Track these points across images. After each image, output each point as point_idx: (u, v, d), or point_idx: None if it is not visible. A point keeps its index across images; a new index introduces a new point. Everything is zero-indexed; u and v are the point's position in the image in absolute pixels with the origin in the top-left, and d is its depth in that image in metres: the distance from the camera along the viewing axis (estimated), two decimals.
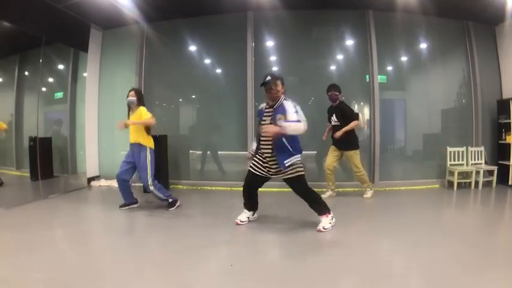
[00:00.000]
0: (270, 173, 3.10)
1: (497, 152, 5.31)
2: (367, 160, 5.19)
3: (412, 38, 5.43)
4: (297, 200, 3.21)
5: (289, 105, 2.87)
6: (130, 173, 3.87)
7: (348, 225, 3.24)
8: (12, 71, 5.13)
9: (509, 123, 5.02)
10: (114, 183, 5.37)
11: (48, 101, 5.47)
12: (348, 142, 4.31)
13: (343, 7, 5.14)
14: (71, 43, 5.39)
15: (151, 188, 3.77)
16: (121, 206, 3.92)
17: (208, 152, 5.69)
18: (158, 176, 4.68)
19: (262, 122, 3.04)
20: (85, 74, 5.62)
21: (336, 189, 4.55)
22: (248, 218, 3.35)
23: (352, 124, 4.22)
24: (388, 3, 4.86)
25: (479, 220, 3.57)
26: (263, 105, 3.12)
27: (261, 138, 3.05)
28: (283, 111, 2.86)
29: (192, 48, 5.74)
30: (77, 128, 5.72)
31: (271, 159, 3.02)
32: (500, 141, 5.26)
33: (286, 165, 2.92)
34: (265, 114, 3.04)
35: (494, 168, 5.04)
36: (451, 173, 4.97)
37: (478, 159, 5.15)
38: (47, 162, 4.98)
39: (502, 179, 5.06)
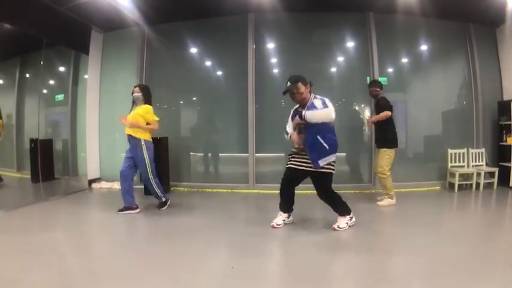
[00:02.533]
0: (309, 169, 2.99)
1: (498, 154, 5.31)
2: (368, 162, 5.20)
3: (412, 40, 5.43)
4: (300, 201, 3.22)
5: (318, 102, 2.91)
6: (133, 170, 3.83)
7: (349, 228, 3.23)
8: (13, 73, 5.14)
9: (510, 124, 5.02)
10: (115, 186, 5.39)
11: (49, 103, 5.47)
12: (380, 138, 4.15)
13: (344, 9, 5.14)
14: (72, 45, 5.39)
15: (152, 181, 3.77)
16: (119, 210, 3.80)
17: (210, 154, 5.70)
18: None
19: (294, 121, 3.01)
20: (86, 76, 5.62)
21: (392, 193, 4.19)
22: (284, 221, 3.25)
23: (382, 114, 3.98)
24: (389, 5, 4.87)
25: (480, 222, 3.57)
26: (297, 107, 3.09)
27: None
28: (313, 108, 2.89)
29: (193, 50, 5.75)
30: (77, 130, 5.72)
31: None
32: (501, 143, 5.25)
33: (321, 164, 2.89)
34: (297, 114, 2.98)
35: (495, 169, 5.04)
36: (452, 175, 4.97)
37: (478, 161, 5.15)
38: (48, 164, 4.98)
39: (503, 180, 5.05)
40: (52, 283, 2.08)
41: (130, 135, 3.72)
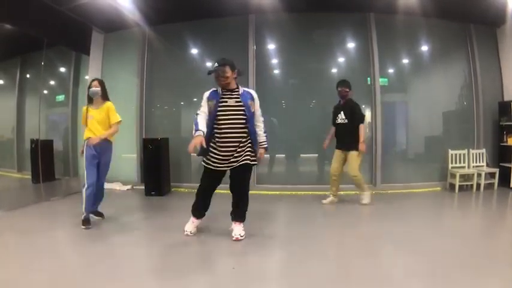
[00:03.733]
0: (231, 161, 2.92)
1: (499, 154, 5.30)
2: (368, 162, 5.18)
3: (413, 41, 5.43)
4: (299, 201, 3.21)
5: (256, 96, 3.01)
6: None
7: (350, 228, 3.23)
8: (13, 73, 5.15)
9: (511, 125, 5.02)
10: (115, 186, 5.38)
11: (49, 103, 5.48)
12: (352, 142, 4.07)
13: (344, 10, 5.14)
14: (72, 46, 5.39)
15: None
16: (86, 226, 3.29)
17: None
18: (159, 180, 4.65)
19: (223, 104, 2.86)
20: (87, 77, 5.61)
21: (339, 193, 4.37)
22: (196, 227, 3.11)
23: (362, 130, 4.01)
24: (389, 5, 4.87)
25: (481, 223, 3.57)
26: (215, 89, 2.93)
27: (223, 130, 2.87)
28: (251, 97, 2.96)
29: (194, 51, 5.75)
30: (78, 130, 5.72)
31: (238, 148, 2.90)
32: (501, 144, 5.25)
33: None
34: (225, 96, 2.87)
35: (496, 170, 5.03)
36: (453, 176, 4.96)
37: (479, 162, 5.14)
38: (48, 165, 4.97)
39: (504, 181, 5.04)
40: (52, 283, 2.08)
41: (104, 139, 3.49)
